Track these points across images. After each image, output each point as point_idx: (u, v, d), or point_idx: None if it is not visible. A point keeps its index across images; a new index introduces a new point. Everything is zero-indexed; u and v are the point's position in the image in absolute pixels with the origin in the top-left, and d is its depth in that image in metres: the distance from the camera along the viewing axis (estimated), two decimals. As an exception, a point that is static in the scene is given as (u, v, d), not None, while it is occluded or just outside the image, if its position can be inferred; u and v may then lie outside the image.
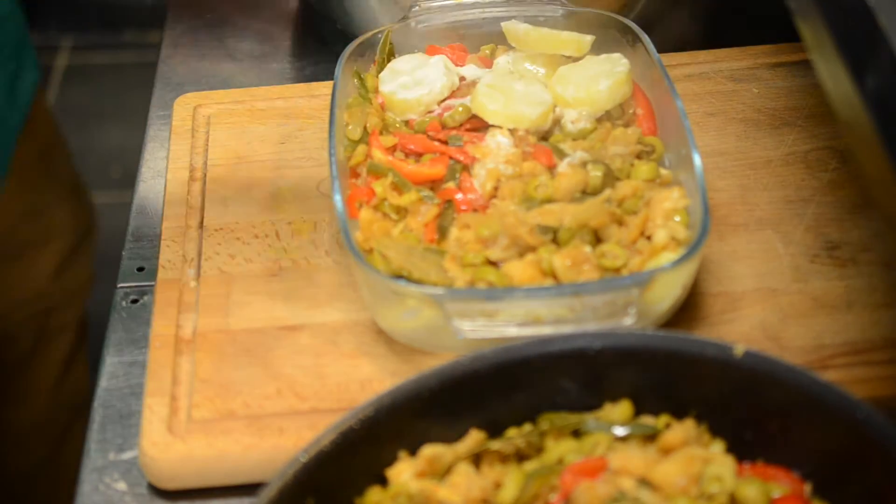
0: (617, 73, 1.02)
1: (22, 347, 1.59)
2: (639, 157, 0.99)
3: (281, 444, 0.87)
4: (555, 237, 0.92)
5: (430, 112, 1.03)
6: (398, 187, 0.97)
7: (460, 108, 1.02)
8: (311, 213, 1.05)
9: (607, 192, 0.95)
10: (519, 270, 0.90)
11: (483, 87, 1.02)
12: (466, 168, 0.98)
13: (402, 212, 0.96)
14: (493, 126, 1.01)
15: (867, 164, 0.70)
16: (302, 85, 1.19)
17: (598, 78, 1.01)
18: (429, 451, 0.77)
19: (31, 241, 1.53)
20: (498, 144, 0.99)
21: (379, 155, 0.99)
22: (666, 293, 0.88)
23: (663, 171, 0.98)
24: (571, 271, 0.89)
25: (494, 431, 0.79)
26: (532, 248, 0.91)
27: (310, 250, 1.02)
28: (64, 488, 0.92)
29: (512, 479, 0.76)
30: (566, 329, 0.85)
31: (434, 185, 0.98)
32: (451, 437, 0.78)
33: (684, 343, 0.78)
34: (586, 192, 0.95)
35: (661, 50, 1.04)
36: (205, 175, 1.09)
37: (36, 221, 1.53)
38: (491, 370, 0.78)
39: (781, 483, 0.75)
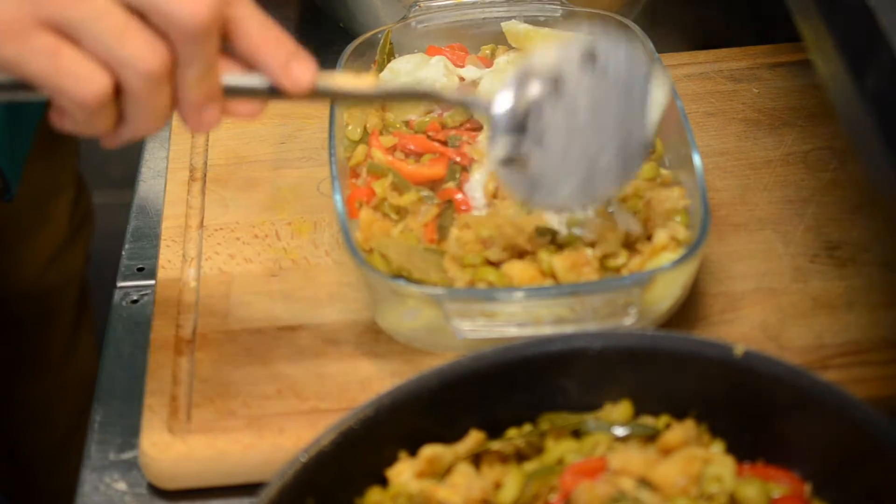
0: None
1: (24, 330, 1.63)
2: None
3: (281, 444, 0.87)
4: (553, 238, 0.92)
5: (429, 112, 1.03)
6: (398, 187, 0.97)
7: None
8: (311, 213, 1.05)
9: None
10: (519, 270, 0.90)
11: (485, 86, 1.02)
12: (466, 168, 0.98)
13: (402, 212, 0.96)
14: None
15: (867, 164, 0.70)
16: (302, 85, 1.19)
17: None
18: (429, 451, 0.77)
19: (31, 226, 1.56)
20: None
21: (379, 155, 0.99)
22: (666, 293, 0.88)
23: (663, 171, 0.98)
24: (571, 273, 0.89)
25: (494, 431, 0.79)
26: (531, 252, 0.91)
27: (310, 250, 1.02)
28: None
29: (512, 480, 0.76)
30: (566, 329, 0.85)
31: (434, 185, 0.98)
32: (451, 437, 0.78)
33: (684, 343, 0.78)
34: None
35: (661, 50, 1.04)
36: (205, 175, 1.09)
37: (38, 207, 1.55)
38: (491, 370, 0.78)
39: (781, 483, 0.75)
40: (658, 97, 0.90)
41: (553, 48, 0.83)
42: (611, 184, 0.86)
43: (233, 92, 0.78)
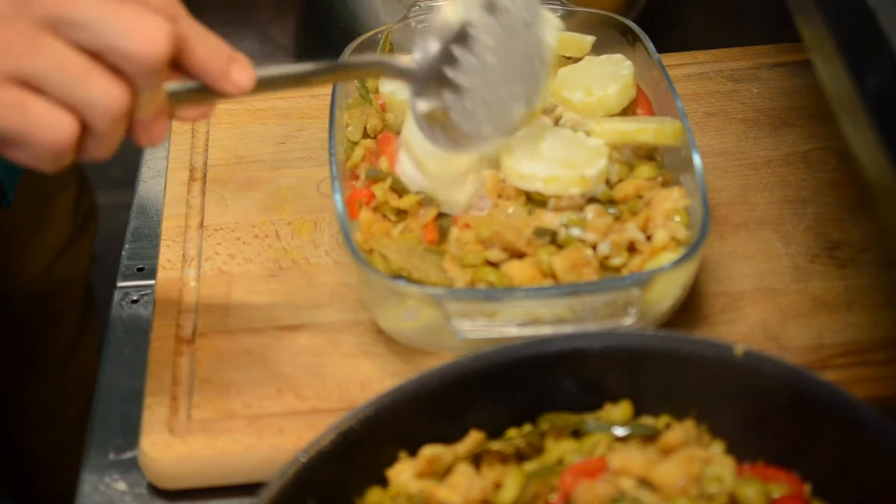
0: (623, 76, 1.01)
1: (29, 329, 1.62)
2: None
3: (281, 444, 0.87)
4: (553, 239, 0.92)
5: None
6: (397, 189, 0.96)
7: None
8: (311, 213, 1.05)
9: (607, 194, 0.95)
10: (519, 270, 0.90)
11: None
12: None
13: (401, 213, 0.96)
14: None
15: (867, 164, 0.70)
16: (302, 85, 1.19)
17: (605, 81, 1.01)
18: (429, 451, 0.77)
19: (33, 225, 1.55)
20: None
21: (385, 162, 0.98)
22: (666, 293, 0.88)
23: (663, 171, 0.98)
24: (571, 273, 0.89)
25: (494, 431, 0.79)
26: (531, 255, 0.91)
27: (310, 250, 1.02)
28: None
29: (512, 480, 0.76)
30: (566, 329, 0.85)
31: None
32: (451, 437, 0.78)
33: (684, 343, 0.78)
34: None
35: (661, 50, 1.04)
36: (205, 175, 1.09)
37: (40, 206, 1.55)
38: (491, 370, 0.78)
39: (781, 483, 0.75)
40: (551, 25, 0.99)
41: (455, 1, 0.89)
42: (520, 111, 0.94)
43: (177, 97, 0.80)
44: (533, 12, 0.93)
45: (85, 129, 0.76)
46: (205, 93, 0.80)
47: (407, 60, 0.89)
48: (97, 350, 1.72)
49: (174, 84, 0.80)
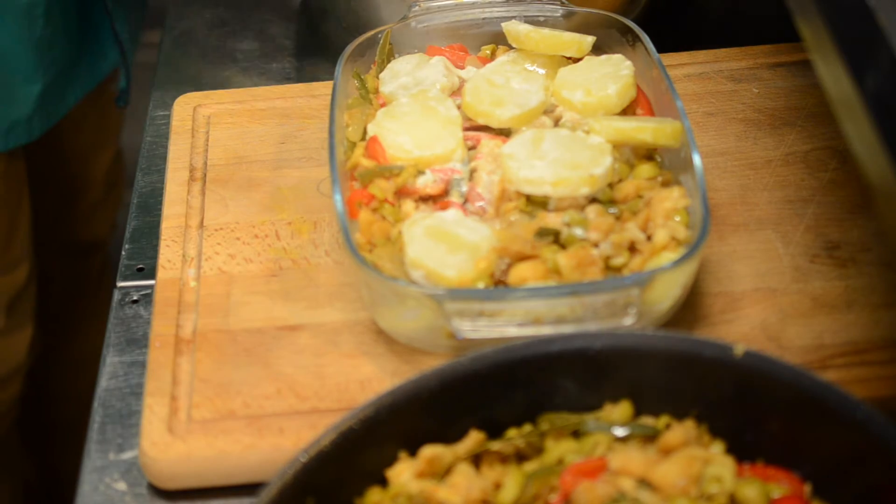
0: (623, 76, 1.01)
1: (60, 286, 1.70)
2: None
3: (281, 444, 0.87)
4: (556, 238, 0.91)
5: (429, 112, 1.03)
6: (387, 174, 0.96)
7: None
8: (311, 213, 1.05)
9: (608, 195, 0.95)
10: (523, 271, 0.89)
11: (471, 85, 1.02)
12: (475, 173, 0.98)
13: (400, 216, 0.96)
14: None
15: (867, 164, 0.70)
16: (302, 85, 1.19)
17: (605, 81, 1.01)
18: (429, 451, 0.77)
19: (74, 179, 1.63)
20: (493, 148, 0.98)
21: (366, 163, 0.98)
22: (666, 293, 0.88)
23: (663, 171, 0.98)
24: (576, 272, 0.89)
25: (494, 431, 0.79)
26: (536, 256, 0.91)
27: (310, 250, 1.02)
28: None
29: (512, 480, 0.76)
30: (566, 329, 0.85)
31: (434, 197, 0.97)
32: (451, 437, 0.78)
33: (684, 343, 0.78)
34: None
35: (661, 50, 1.04)
36: (205, 175, 1.09)
37: (83, 162, 1.62)
38: (491, 370, 0.78)
39: (781, 483, 0.75)
40: None
41: None
42: None
43: None
44: None
45: None
46: None
47: None
48: (104, 327, 1.77)
49: None
